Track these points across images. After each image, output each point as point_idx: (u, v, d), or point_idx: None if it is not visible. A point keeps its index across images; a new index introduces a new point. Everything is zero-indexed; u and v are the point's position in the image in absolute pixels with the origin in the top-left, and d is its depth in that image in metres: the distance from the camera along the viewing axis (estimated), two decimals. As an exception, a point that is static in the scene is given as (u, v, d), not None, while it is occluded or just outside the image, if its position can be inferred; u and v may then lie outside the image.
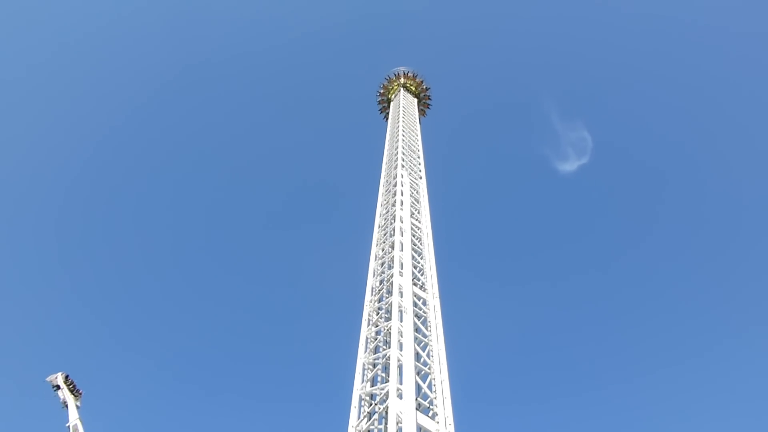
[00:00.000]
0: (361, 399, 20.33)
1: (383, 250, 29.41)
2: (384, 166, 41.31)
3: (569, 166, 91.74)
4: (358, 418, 19.55)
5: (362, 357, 22.26)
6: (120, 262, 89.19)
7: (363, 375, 21.49)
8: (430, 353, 22.33)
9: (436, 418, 19.18)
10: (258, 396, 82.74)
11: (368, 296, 26.18)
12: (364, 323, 24.35)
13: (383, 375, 21.20)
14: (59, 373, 32.39)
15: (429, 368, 21.47)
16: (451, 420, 19.13)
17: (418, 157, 42.71)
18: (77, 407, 30.47)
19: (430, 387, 20.64)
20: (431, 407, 19.70)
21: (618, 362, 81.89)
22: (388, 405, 18.13)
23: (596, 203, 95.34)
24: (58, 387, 32.06)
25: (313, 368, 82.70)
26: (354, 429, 18.96)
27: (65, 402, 31.06)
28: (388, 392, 18.81)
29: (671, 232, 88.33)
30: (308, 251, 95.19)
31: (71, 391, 31.57)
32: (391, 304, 23.65)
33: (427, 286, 26.80)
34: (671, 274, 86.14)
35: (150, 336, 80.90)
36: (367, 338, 23.36)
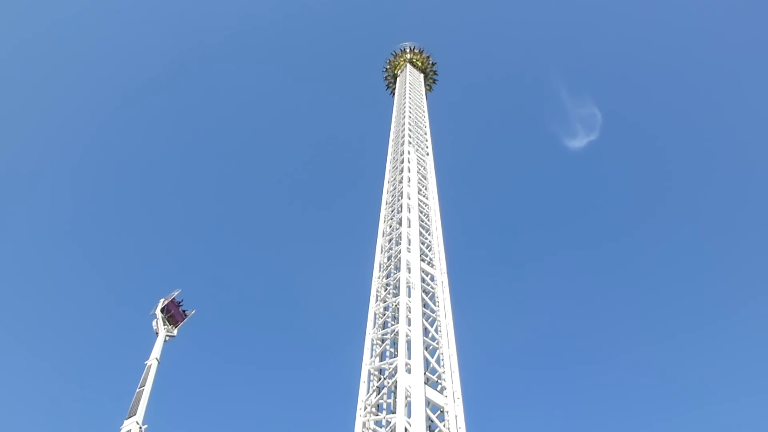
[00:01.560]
0: (370, 374, 20.48)
1: (390, 226, 29.42)
2: (391, 143, 41.12)
3: (578, 143, 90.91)
4: (367, 392, 19.72)
5: (371, 332, 22.38)
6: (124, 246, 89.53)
7: (372, 350, 21.62)
8: (438, 328, 22.43)
9: (445, 392, 19.31)
10: (269, 367, 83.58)
11: (376, 272, 26.27)
12: (372, 299, 24.46)
13: (392, 350, 21.32)
14: (161, 299, 28.47)
15: (437, 343, 21.58)
16: (459, 394, 19.25)
17: (425, 134, 42.46)
18: (168, 338, 26.63)
19: (438, 361, 20.75)
20: (439, 381, 19.84)
21: (629, 332, 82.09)
22: (397, 379, 18.24)
23: (605, 180, 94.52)
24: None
25: (322, 344, 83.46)
26: (363, 403, 19.14)
27: (157, 333, 27.13)
28: (396, 367, 18.91)
29: (680, 209, 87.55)
30: (315, 229, 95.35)
31: (168, 320, 27.61)
32: (399, 280, 23.70)
33: (435, 261, 26.83)
34: (680, 250, 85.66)
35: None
36: (375, 314, 23.47)
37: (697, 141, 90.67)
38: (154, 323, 27.42)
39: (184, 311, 28.81)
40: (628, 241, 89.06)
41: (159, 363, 24.15)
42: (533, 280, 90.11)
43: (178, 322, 28.21)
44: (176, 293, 28.93)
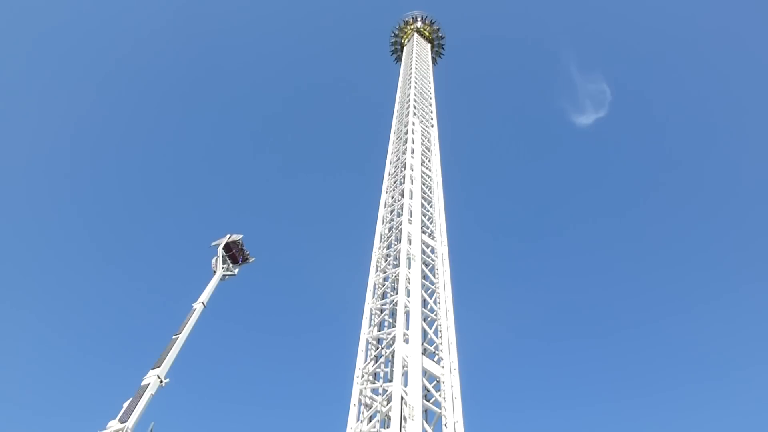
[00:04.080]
0: (368, 343, 20.69)
1: (393, 197, 29.37)
2: (395, 113, 40.81)
3: (586, 120, 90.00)
4: (365, 360, 19.95)
5: (370, 302, 22.53)
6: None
7: (370, 320, 21.80)
8: (437, 300, 22.57)
9: (441, 362, 19.53)
10: (268, 331, 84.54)
11: (377, 243, 26.31)
12: (372, 269, 24.55)
13: (390, 320, 21.50)
14: (228, 234, 26.45)
15: (435, 315, 21.74)
16: (455, 365, 19.48)
17: (430, 105, 42.10)
18: (228, 277, 25.13)
19: (436, 333, 20.94)
20: (437, 352, 20.05)
21: (628, 306, 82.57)
22: (395, 349, 18.42)
23: (610, 159, 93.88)
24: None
25: (321, 313, 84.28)
26: (361, 371, 19.37)
27: (215, 270, 25.04)
28: (394, 337, 19.09)
29: (682, 193, 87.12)
30: (317, 199, 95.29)
31: (229, 259, 25.81)
32: (399, 251, 23.77)
33: (436, 234, 26.85)
34: (682, 229, 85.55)
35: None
36: (375, 284, 23.60)
37: (703, 124, 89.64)
38: (213, 261, 25.38)
39: (246, 254, 26.88)
40: (629, 220, 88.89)
41: (205, 308, 22.30)
42: (534, 256, 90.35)
43: (236, 263, 26.36)
44: (239, 237, 27.05)
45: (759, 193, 78.90)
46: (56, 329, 74.58)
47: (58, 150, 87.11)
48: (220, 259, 25.30)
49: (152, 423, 17.31)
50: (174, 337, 20.04)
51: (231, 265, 25.81)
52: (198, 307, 21.97)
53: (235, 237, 26.74)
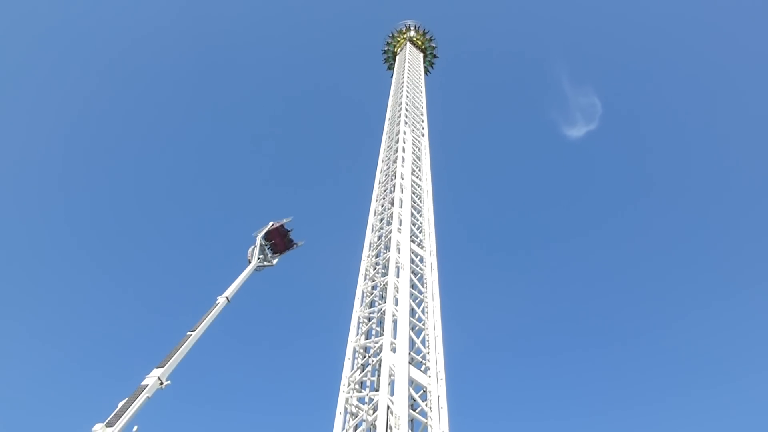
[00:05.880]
0: (355, 351, 20.62)
1: (382, 206, 29.42)
2: (386, 122, 40.92)
3: (577, 132, 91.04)
4: (352, 369, 19.89)
5: (357, 311, 22.50)
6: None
7: (358, 328, 21.75)
8: (425, 309, 22.59)
9: (428, 372, 19.53)
10: (252, 342, 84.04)
11: (366, 251, 26.31)
12: (361, 278, 24.53)
13: (378, 329, 21.48)
14: (271, 222, 24.76)
15: (423, 324, 21.74)
16: (442, 375, 19.48)
17: (422, 114, 42.29)
18: (263, 267, 23.40)
19: (423, 342, 20.94)
20: (424, 362, 20.03)
21: (621, 314, 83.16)
22: (382, 358, 18.39)
23: (600, 171, 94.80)
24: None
25: (309, 321, 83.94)
26: (347, 379, 19.32)
27: (250, 260, 23.22)
28: (381, 345, 19.06)
29: (668, 204, 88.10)
30: (306, 206, 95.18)
31: (269, 247, 24.18)
32: (388, 260, 23.78)
33: (425, 243, 26.92)
34: (670, 241, 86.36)
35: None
36: (363, 292, 23.56)
37: (691, 138, 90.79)
38: (249, 250, 23.69)
39: (291, 240, 25.35)
40: (618, 230, 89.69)
41: (229, 303, 20.64)
42: (523, 266, 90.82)
43: (281, 251, 24.70)
44: (287, 220, 25.50)
45: (749, 201, 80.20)
46: (71, 329, 74.16)
47: (56, 147, 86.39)
48: (257, 249, 23.40)
49: (135, 427, 16.57)
50: (188, 333, 18.82)
51: (270, 255, 23.95)
52: (221, 301, 20.41)
53: (283, 220, 24.95)
